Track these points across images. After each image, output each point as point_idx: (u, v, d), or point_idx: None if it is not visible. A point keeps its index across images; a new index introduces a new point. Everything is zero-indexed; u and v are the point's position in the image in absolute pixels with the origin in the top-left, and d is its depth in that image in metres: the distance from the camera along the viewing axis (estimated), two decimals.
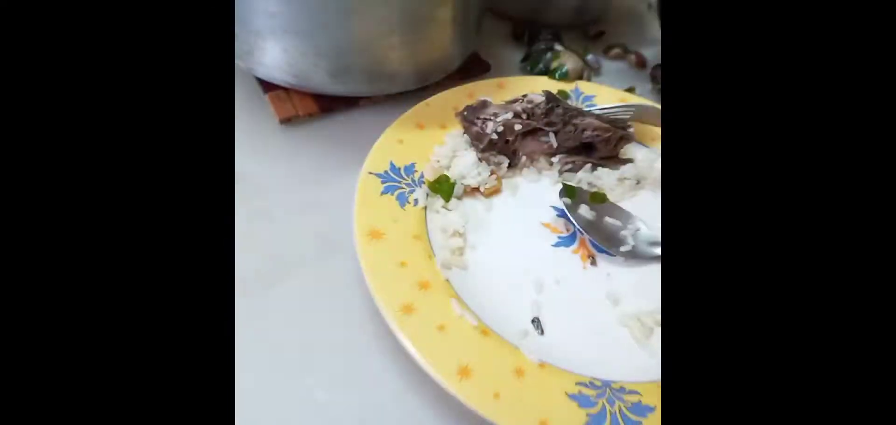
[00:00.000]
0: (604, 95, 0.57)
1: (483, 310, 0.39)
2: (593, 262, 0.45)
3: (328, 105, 0.54)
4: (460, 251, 0.43)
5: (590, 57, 0.67)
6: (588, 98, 0.58)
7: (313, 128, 0.52)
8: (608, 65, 0.71)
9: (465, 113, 0.50)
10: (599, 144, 0.49)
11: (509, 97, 0.53)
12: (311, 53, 0.47)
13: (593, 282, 0.43)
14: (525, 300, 0.41)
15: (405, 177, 0.46)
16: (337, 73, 0.49)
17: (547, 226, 0.47)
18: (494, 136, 0.48)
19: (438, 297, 0.38)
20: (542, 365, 0.36)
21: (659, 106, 0.56)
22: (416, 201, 0.45)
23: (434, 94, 0.54)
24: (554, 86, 0.58)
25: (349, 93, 0.54)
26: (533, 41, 0.66)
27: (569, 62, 0.59)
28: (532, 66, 0.62)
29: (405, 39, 0.50)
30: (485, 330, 0.37)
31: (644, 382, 0.36)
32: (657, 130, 0.55)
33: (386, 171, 0.46)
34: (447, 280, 0.40)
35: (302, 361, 0.36)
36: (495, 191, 0.49)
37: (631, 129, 0.51)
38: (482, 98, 0.51)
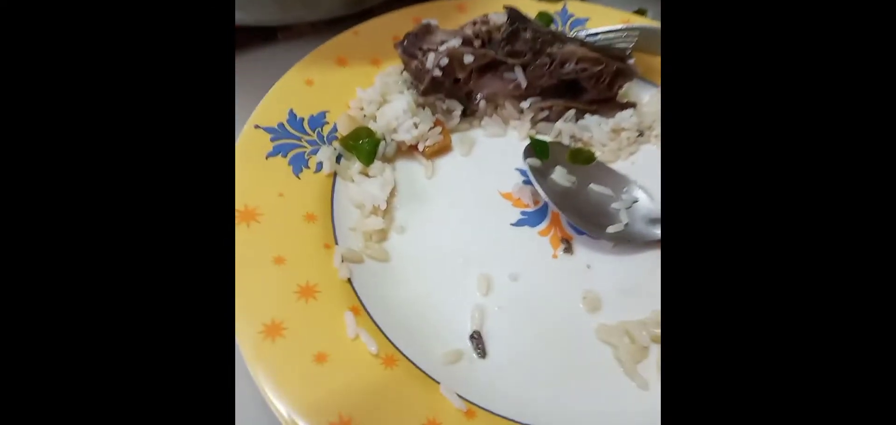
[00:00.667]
0: (599, 18, 0.43)
1: (399, 324, 0.28)
2: (568, 249, 0.32)
3: (238, 40, 0.43)
4: (380, 236, 0.31)
5: None
6: (578, 22, 0.44)
7: None
8: None
9: (405, 42, 0.37)
10: (587, 83, 0.36)
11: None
12: None
13: (566, 277, 0.31)
14: (465, 305, 0.29)
15: (308, 131, 0.34)
16: None
17: (508, 197, 0.34)
18: (438, 73, 0.35)
19: (326, 310, 0.26)
20: (469, 411, 0.24)
21: None
22: (319, 166, 0.32)
23: (374, 19, 0.42)
24: (535, 6, 0.44)
25: (259, 22, 0.42)
26: None
27: None
28: None
29: None
30: (391, 358, 0.26)
31: None
32: None
33: (281, 124, 0.33)
34: (348, 280, 0.28)
35: None
36: (442, 150, 0.36)
37: (631, 61, 0.37)
38: (426, 21, 0.37)
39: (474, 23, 0.36)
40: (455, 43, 0.35)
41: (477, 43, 0.35)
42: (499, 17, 0.36)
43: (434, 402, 0.24)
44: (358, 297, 0.28)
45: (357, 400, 0.24)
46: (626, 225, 0.32)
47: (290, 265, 0.27)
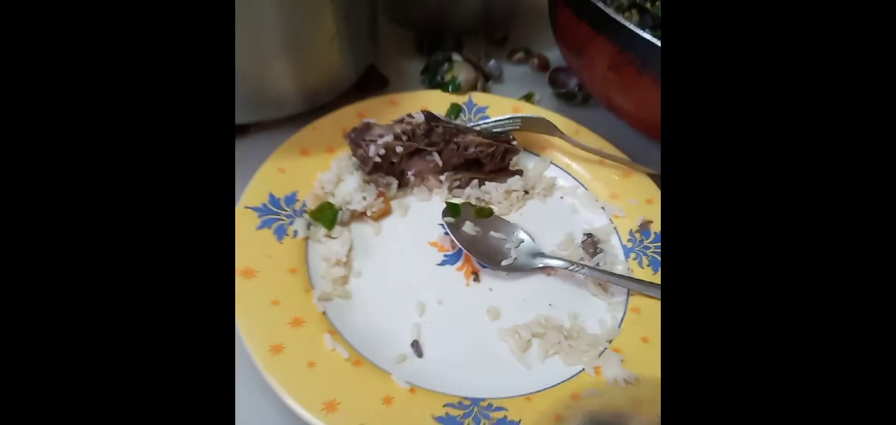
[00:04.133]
0: (496, 106, 0.58)
1: (362, 339, 0.40)
2: (476, 279, 0.46)
3: None
4: (343, 280, 0.44)
5: (491, 63, 0.68)
6: (481, 110, 0.59)
7: None
8: (511, 70, 0.72)
9: (351, 135, 0.50)
10: (485, 159, 0.50)
11: (401, 114, 0.53)
12: None
13: (475, 298, 0.44)
14: (406, 323, 0.42)
15: (285, 208, 0.46)
16: None
17: (434, 245, 0.48)
18: (378, 159, 0.48)
19: (311, 333, 0.38)
20: (412, 389, 0.37)
21: (546, 114, 0.57)
22: (295, 233, 0.44)
23: (326, 115, 0.54)
24: (448, 99, 0.58)
25: (236, 121, 0.53)
26: (433, 51, 0.66)
27: (462, 73, 0.60)
28: (430, 78, 0.62)
29: (286, 63, 0.49)
30: (357, 361, 0.38)
31: (512, 396, 0.38)
32: (549, 139, 0.56)
33: (264, 204, 0.45)
34: (324, 313, 0.40)
35: None
36: (384, 214, 0.49)
37: (515, 142, 0.53)
38: (366, 120, 0.51)
39: (401, 120, 0.50)
40: (389, 138, 0.48)
41: (404, 138, 0.49)
42: (419, 117, 0.50)
43: (388, 386, 0.37)
44: (331, 323, 0.40)
45: (338, 389, 0.36)
46: (515, 259, 0.47)
47: (283, 306, 0.39)
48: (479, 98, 0.60)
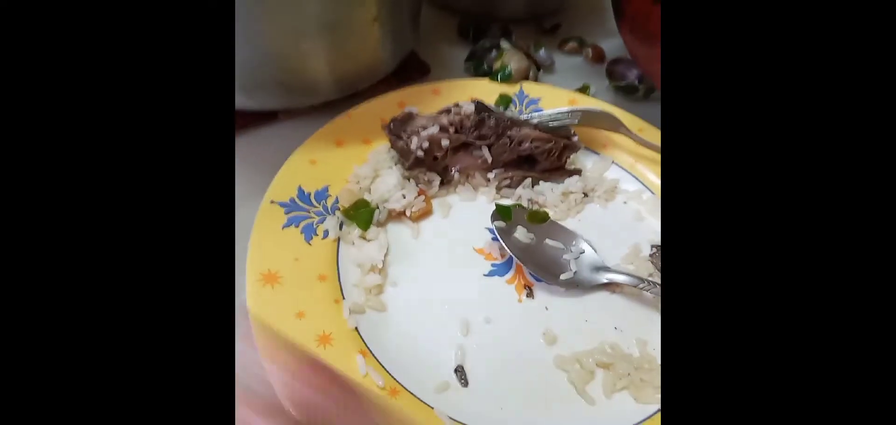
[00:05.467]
0: (550, 97, 0.52)
1: (399, 362, 0.34)
2: (530, 294, 0.40)
3: (242, 121, 0.48)
4: (378, 290, 0.38)
5: (541, 53, 0.61)
6: (533, 102, 0.52)
7: None
8: (563, 60, 0.65)
9: (391, 126, 0.45)
10: (540, 156, 0.44)
11: (445, 104, 0.48)
12: None
13: (529, 317, 0.38)
14: (449, 345, 0.36)
15: (315, 204, 0.41)
16: (248, 86, 0.44)
17: (480, 252, 0.42)
18: (420, 153, 0.42)
19: (341, 353, 0.33)
20: None
21: (610, 109, 0.51)
22: (325, 233, 0.39)
23: (363, 103, 0.48)
24: (496, 89, 0.52)
25: (263, 107, 0.48)
26: (479, 38, 0.59)
27: (513, 61, 0.54)
28: (476, 66, 0.56)
29: (322, 46, 0.44)
30: (394, 390, 0.32)
31: None
32: (610, 136, 0.50)
33: (292, 199, 0.40)
34: (356, 329, 0.35)
35: None
36: (424, 214, 0.44)
37: (575, 138, 0.46)
38: (408, 109, 0.45)
39: (448, 111, 0.45)
40: (434, 130, 0.43)
41: (451, 129, 0.43)
42: (468, 107, 0.44)
43: (429, 421, 0.31)
44: (364, 342, 0.34)
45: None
46: (575, 273, 0.41)
47: (308, 318, 0.34)
48: (531, 89, 0.53)
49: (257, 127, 0.49)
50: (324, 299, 0.35)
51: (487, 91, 0.52)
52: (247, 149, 0.47)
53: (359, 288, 0.37)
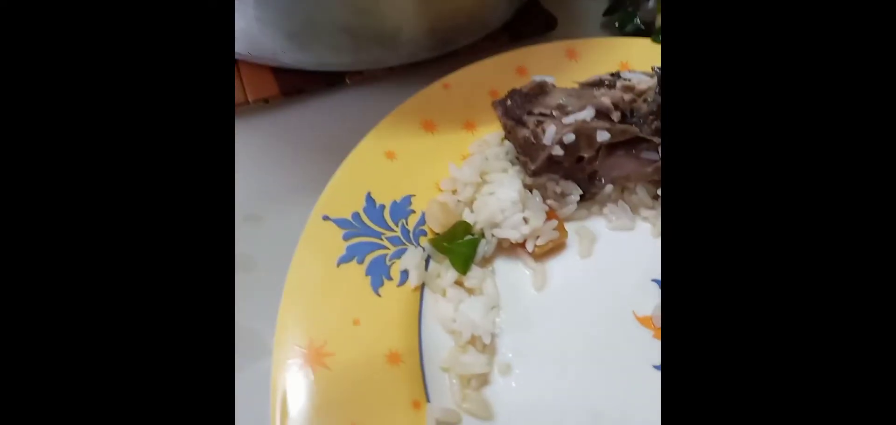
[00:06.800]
0: None
1: None
2: None
3: (295, 84, 0.36)
4: (481, 381, 0.23)
5: None
6: None
7: (269, 122, 0.35)
8: None
9: (508, 103, 0.29)
10: None
11: (588, 75, 0.31)
12: (257, 3, 0.30)
13: None
14: None
15: (391, 225, 0.26)
16: (298, 34, 0.32)
17: (646, 323, 0.26)
18: (558, 150, 0.26)
19: None
20: None
21: None
22: (404, 275, 0.25)
23: (466, 68, 0.35)
24: (655, 53, 0.35)
25: (321, 66, 0.36)
26: None
27: None
28: (622, 21, 0.42)
29: None
30: None
31: None
32: None
33: (355, 214, 0.26)
34: None
35: None
36: (556, 249, 0.28)
37: None
38: (539, 78, 0.29)
39: (611, 85, 0.28)
40: (586, 115, 0.26)
41: (615, 115, 0.27)
42: (644, 80, 0.28)
43: None
44: None
45: None
46: None
47: None
48: None
49: (315, 93, 0.37)
50: (396, 401, 0.21)
51: (645, 55, 0.35)
52: (297, 122, 0.35)
53: (451, 375, 0.23)
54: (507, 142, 0.31)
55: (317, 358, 0.22)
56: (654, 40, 0.38)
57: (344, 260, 0.25)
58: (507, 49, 0.37)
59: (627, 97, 0.27)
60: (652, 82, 0.27)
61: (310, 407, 0.21)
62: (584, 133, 0.27)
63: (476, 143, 0.31)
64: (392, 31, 0.34)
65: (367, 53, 0.35)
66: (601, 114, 0.27)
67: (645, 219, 0.30)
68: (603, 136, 0.27)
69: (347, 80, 0.38)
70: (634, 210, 0.30)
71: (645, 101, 0.27)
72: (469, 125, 0.31)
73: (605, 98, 0.27)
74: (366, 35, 0.34)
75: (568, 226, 0.30)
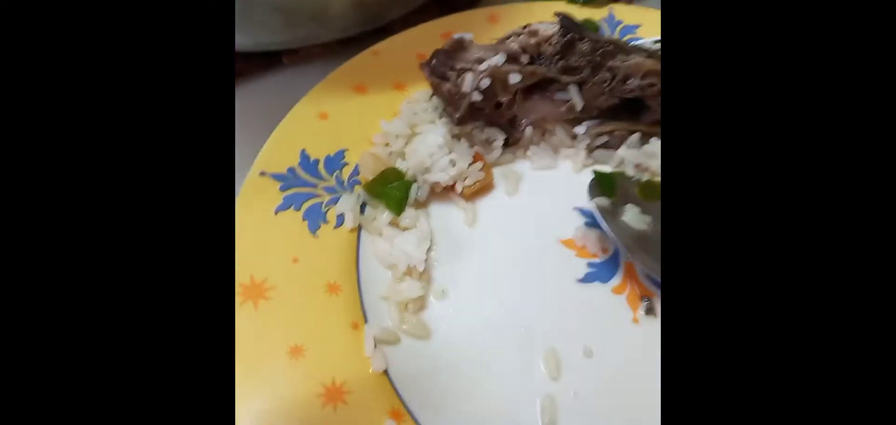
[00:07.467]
0: (652, 24, 0.37)
1: (452, 422, 0.21)
2: (651, 310, 0.26)
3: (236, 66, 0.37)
4: (418, 305, 0.25)
5: None
6: (628, 29, 0.38)
7: None
8: None
9: (434, 62, 0.31)
10: (653, 101, 0.30)
11: (504, 34, 0.34)
12: None
13: (653, 348, 0.25)
14: (531, 393, 0.23)
15: (325, 176, 0.28)
16: (238, 16, 0.33)
17: (569, 245, 0.28)
18: (477, 96, 0.29)
19: (361, 417, 0.20)
20: None
21: None
22: (340, 219, 0.26)
23: (394, 36, 0.36)
24: (576, 14, 0.38)
25: (258, 46, 0.37)
26: None
27: None
28: None
29: None
30: None
31: None
32: None
33: (291, 170, 0.28)
34: (385, 372, 0.22)
35: None
36: (483, 190, 0.30)
37: None
38: (458, 35, 0.32)
39: (518, 34, 0.31)
40: (498, 60, 0.29)
41: (524, 58, 0.29)
42: (548, 27, 0.30)
43: None
44: (398, 395, 0.22)
45: None
46: None
47: (310, 357, 0.22)
48: (625, 12, 0.39)
49: (253, 75, 0.39)
50: (335, 323, 0.23)
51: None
52: (239, 101, 0.35)
53: (389, 302, 0.25)
54: (435, 99, 0.33)
55: (258, 292, 0.23)
56: (570, 2, 0.41)
57: (281, 208, 0.26)
58: (435, 19, 0.39)
59: (533, 41, 0.30)
60: (554, 29, 0.30)
61: (250, 340, 0.22)
62: (498, 77, 0.29)
63: (406, 102, 0.33)
64: (324, 7, 0.36)
65: (301, 30, 0.37)
66: (512, 58, 0.29)
67: (566, 158, 0.33)
68: (514, 78, 0.29)
69: (284, 60, 0.40)
70: (555, 150, 0.33)
71: (549, 44, 0.30)
72: (399, 86, 0.33)
73: (513, 44, 0.29)
74: (298, 12, 0.35)
75: (495, 171, 0.32)
